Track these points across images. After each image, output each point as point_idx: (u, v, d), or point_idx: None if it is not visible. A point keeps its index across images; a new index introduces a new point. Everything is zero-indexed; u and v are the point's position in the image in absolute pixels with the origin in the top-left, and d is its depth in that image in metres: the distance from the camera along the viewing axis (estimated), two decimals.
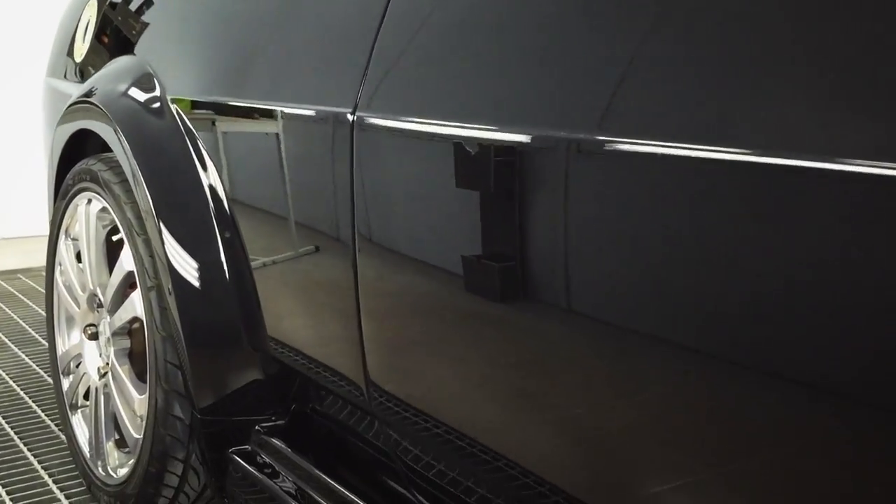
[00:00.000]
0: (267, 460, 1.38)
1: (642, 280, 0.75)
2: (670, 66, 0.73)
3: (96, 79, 1.70)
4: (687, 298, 0.72)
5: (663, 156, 0.71)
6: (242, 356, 1.40)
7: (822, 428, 0.67)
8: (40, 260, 3.67)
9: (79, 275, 1.76)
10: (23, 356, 2.58)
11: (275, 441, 1.39)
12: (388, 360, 1.09)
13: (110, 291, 1.61)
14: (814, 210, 0.64)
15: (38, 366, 2.49)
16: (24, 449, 1.98)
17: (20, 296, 3.23)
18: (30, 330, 2.82)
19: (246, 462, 1.40)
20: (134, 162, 1.45)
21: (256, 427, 1.42)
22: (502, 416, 0.94)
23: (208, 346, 1.41)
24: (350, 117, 1.06)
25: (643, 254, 0.74)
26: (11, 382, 2.38)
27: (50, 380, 2.38)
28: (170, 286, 1.40)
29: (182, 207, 1.42)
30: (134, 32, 1.74)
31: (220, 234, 1.39)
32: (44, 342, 2.70)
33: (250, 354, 1.39)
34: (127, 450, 1.68)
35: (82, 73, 1.93)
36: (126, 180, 1.53)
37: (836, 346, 0.63)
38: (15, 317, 2.96)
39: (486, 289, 0.92)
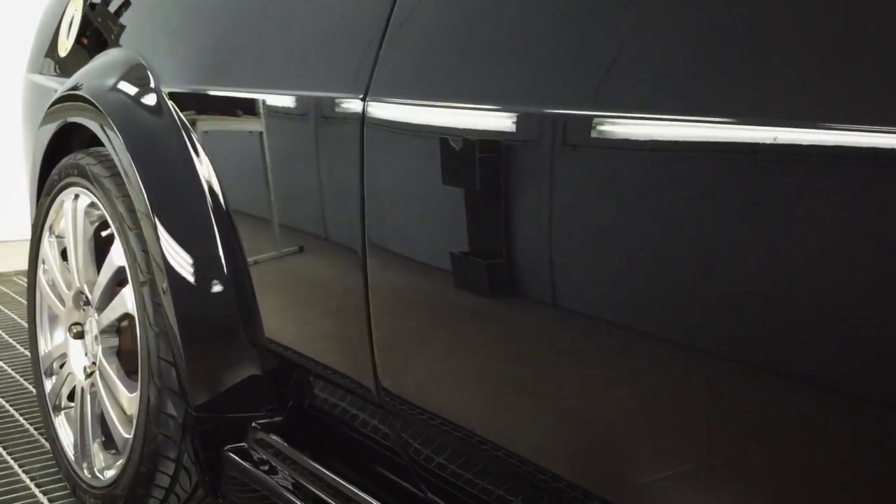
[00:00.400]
0: (265, 457, 1.36)
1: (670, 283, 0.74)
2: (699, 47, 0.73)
3: (84, 72, 1.67)
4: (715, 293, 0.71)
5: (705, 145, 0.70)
6: (239, 352, 1.37)
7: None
8: (12, 265, 3.60)
9: (64, 272, 1.72)
10: None
11: (273, 437, 1.36)
12: (401, 357, 1.07)
13: (99, 288, 1.57)
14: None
15: (14, 370, 2.44)
16: (5, 453, 1.93)
17: None
18: (4, 335, 2.76)
19: (243, 460, 1.37)
20: (128, 156, 1.42)
21: (253, 424, 1.39)
22: (520, 414, 0.92)
23: (204, 342, 1.38)
24: (360, 103, 1.04)
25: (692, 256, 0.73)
26: None
27: (28, 385, 2.32)
28: (164, 281, 1.37)
29: (178, 201, 1.39)
30: (123, 24, 1.71)
31: (217, 228, 1.36)
32: (19, 347, 2.64)
33: (248, 350, 1.37)
34: (114, 451, 1.64)
35: (67, 67, 1.89)
36: (117, 174, 1.50)
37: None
38: None
39: (503, 287, 0.91)
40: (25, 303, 3.09)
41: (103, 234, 1.62)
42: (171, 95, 1.43)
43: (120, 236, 1.49)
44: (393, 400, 1.09)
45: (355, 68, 1.06)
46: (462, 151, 0.93)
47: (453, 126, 0.93)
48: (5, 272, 3.54)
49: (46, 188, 1.74)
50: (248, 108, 1.26)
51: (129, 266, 1.47)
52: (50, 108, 1.73)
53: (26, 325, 2.83)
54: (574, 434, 0.87)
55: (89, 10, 1.84)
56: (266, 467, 1.35)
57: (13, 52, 3.97)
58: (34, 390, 2.26)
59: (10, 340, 2.71)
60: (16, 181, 4.03)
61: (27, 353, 2.58)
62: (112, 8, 1.76)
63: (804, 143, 0.63)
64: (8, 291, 3.28)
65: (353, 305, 1.10)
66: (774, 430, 0.69)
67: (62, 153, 1.76)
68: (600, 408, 0.84)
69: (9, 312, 3.01)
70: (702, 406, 0.75)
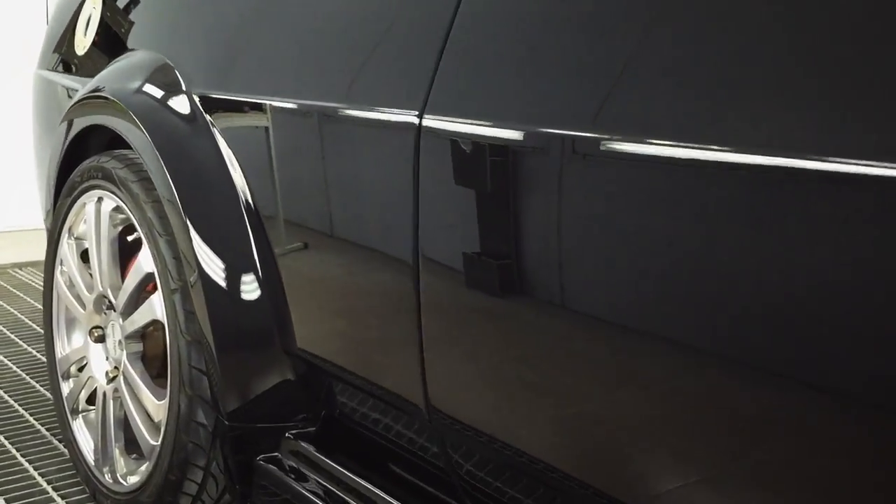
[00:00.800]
0: (298, 468, 1.35)
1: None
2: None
3: (109, 73, 1.64)
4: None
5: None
6: (275, 361, 1.36)
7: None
8: (8, 257, 3.56)
9: (84, 275, 1.70)
10: (1, 358, 2.49)
11: (307, 448, 1.36)
12: (455, 374, 1.07)
13: (125, 294, 1.55)
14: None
15: (20, 369, 2.40)
16: (19, 455, 1.91)
17: None
18: (6, 331, 2.72)
19: (276, 469, 1.37)
20: (160, 160, 1.41)
21: (286, 434, 1.39)
22: (585, 437, 0.92)
23: (239, 351, 1.37)
24: (416, 119, 1.03)
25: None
26: None
27: (35, 383, 2.30)
28: (199, 288, 1.36)
29: (212, 207, 1.38)
30: (147, 25, 1.69)
31: (252, 236, 1.35)
32: (22, 343, 2.61)
33: (283, 359, 1.36)
34: (134, 455, 1.63)
35: (84, 66, 1.87)
36: (146, 178, 1.48)
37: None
38: None
39: (564, 303, 0.91)
40: (24, 296, 3.06)
41: (129, 238, 1.61)
42: (205, 100, 1.41)
43: (149, 242, 1.47)
44: (444, 418, 1.09)
45: (412, 84, 1.05)
46: (519, 171, 0.93)
47: (510, 146, 0.93)
48: (1, 265, 3.49)
49: (66, 190, 1.71)
50: (292, 118, 1.25)
51: (158, 273, 1.45)
52: (71, 108, 1.71)
53: (28, 320, 2.81)
54: (640, 458, 0.87)
55: (110, 9, 1.81)
56: (300, 478, 1.34)
57: (11, 48, 3.94)
58: (42, 388, 2.24)
59: (13, 337, 2.67)
60: (11, 171, 4.00)
61: (31, 350, 2.55)
62: (135, 8, 1.74)
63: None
64: (5, 285, 3.24)
65: (402, 317, 1.09)
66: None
67: (79, 153, 1.74)
68: (667, 432, 0.84)
69: (8, 307, 2.97)
70: (764, 423, 0.75)
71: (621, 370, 0.86)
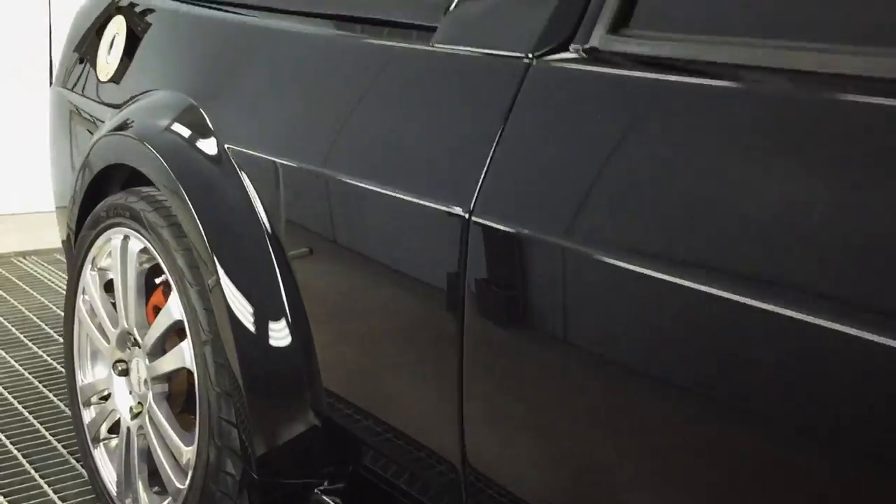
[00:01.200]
0: None
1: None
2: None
3: (136, 111, 1.63)
4: None
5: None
6: (306, 415, 1.38)
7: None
8: (11, 244, 3.53)
9: (107, 306, 1.71)
10: (12, 362, 2.49)
11: (337, 503, 1.38)
12: (497, 436, 1.07)
13: (152, 336, 1.56)
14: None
15: (32, 376, 2.41)
16: (37, 476, 1.92)
17: None
18: (14, 330, 2.72)
19: None
20: (191, 207, 1.41)
21: (315, 490, 1.41)
22: None
23: (271, 405, 1.39)
24: (465, 216, 1.04)
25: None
26: (6, 393, 2.30)
27: (47, 392, 2.31)
28: (231, 341, 1.37)
29: (245, 261, 1.39)
30: (176, 62, 1.67)
31: (286, 297, 1.36)
32: (32, 346, 2.60)
33: (314, 414, 1.37)
34: (156, 489, 1.65)
35: (107, 93, 1.85)
36: (175, 224, 1.48)
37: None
38: None
39: (619, 365, 0.92)
40: (30, 290, 3.06)
41: (157, 280, 1.61)
42: (238, 154, 1.41)
43: (179, 291, 1.47)
44: (482, 481, 1.10)
45: (461, 177, 1.05)
46: (561, 272, 0.95)
47: (551, 250, 0.95)
48: (4, 253, 3.45)
49: (90, 222, 1.71)
50: (332, 188, 1.25)
51: (188, 322, 1.46)
52: (95, 143, 1.70)
53: (36, 318, 2.80)
54: None
55: (134, 37, 1.79)
56: None
57: (12, 41, 3.90)
58: (56, 399, 2.25)
59: (22, 337, 2.67)
60: (16, 153, 3.97)
61: (41, 353, 2.55)
62: (161, 43, 1.72)
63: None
64: (10, 276, 3.21)
65: (441, 371, 1.10)
66: None
67: (101, 183, 1.74)
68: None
69: (14, 302, 2.95)
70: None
71: (695, 438, 0.85)
